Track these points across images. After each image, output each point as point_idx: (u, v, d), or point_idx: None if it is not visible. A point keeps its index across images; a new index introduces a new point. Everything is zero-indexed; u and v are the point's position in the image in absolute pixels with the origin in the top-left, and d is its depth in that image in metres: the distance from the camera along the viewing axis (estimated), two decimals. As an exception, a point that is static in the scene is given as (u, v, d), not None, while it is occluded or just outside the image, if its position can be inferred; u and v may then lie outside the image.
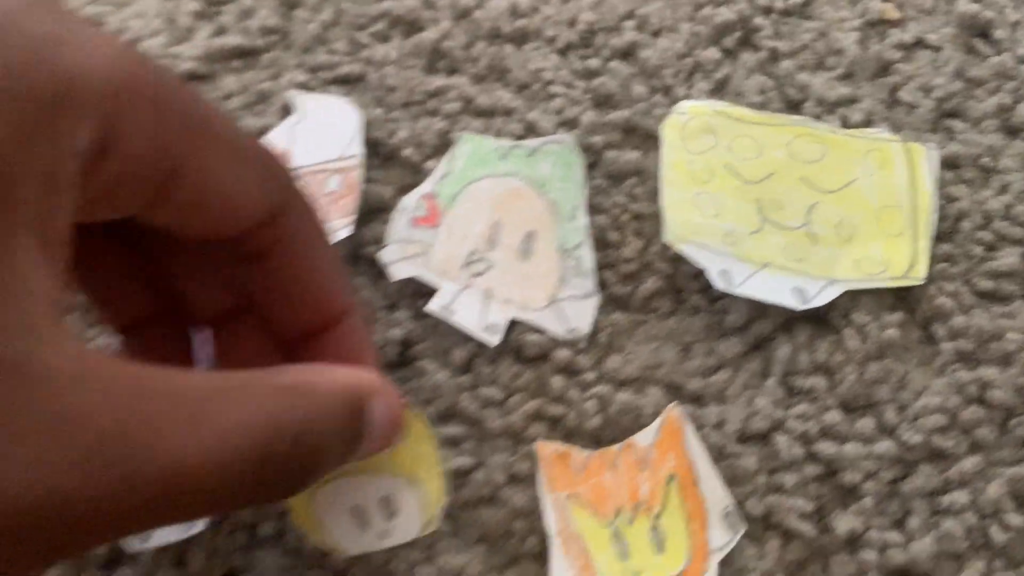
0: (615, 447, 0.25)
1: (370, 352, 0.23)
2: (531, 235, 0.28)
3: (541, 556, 0.24)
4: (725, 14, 0.31)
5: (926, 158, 0.28)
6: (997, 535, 0.23)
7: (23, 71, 0.15)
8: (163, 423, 0.16)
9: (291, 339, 0.22)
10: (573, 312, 0.27)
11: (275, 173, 0.20)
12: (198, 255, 0.22)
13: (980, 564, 0.23)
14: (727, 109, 0.29)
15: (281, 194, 0.20)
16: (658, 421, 0.25)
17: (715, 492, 0.24)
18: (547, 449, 0.25)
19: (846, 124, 0.29)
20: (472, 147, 0.29)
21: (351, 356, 0.22)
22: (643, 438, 0.25)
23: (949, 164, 0.29)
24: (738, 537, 0.24)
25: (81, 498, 0.15)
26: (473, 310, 0.27)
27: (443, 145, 0.30)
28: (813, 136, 0.29)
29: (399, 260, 0.28)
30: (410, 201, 0.28)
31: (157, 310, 0.23)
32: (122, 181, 0.17)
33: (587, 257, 0.28)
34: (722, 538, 0.24)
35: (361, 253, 0.28)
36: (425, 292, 0.27)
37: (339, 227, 0.28)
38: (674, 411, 0.25)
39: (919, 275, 0.26)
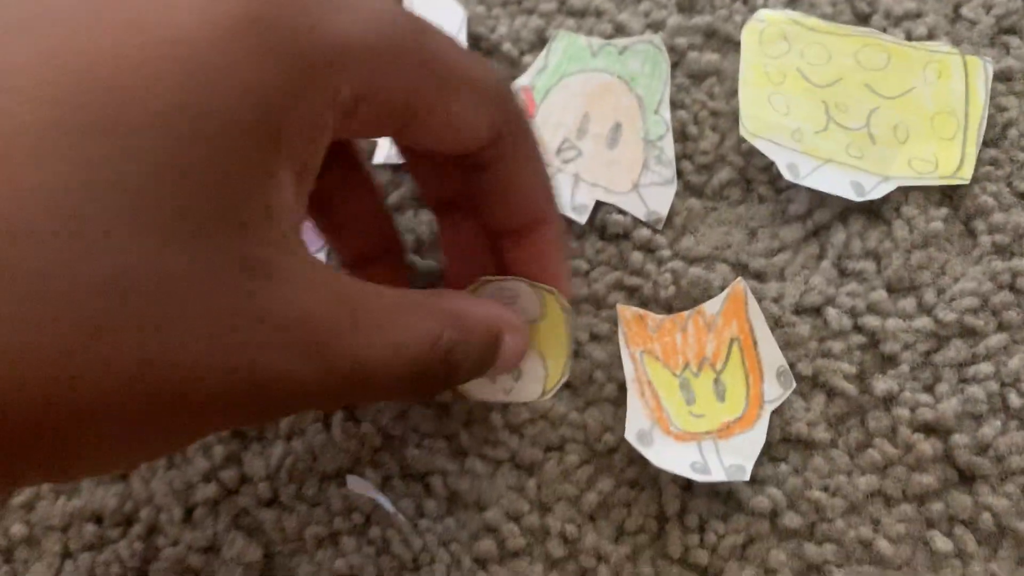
0: (685, 313, 0.29)
1: (560, 258, 0.26)
2: (618, 126, 0.32)
3: (617, 400, 0.29)
4: (804, -72, 0.34)
5: (981, 70, 0.31)
6: (1015, 400, 0.27)
7: (303, 35, 0.18)
8: (361, 327, 0.20)
9: (500, 234, 0.26)
10: (653, 197, 0.31)
11: (502, 101, 0.23)
12: (430, 159, 0.26)
13: (997, 423, 0.27)
14: (801, 19, 0.32)
15: (504, 120, 0.23)
16: (724, 293, 0.29)
17: (771, 354, 0.28)
18: (627, 312, 0.29)
19: (910, 37, 0.32)
20: (566, 44, 0.33)
21: (545, 258, 0.26)
22: (711, 306, 0.29)
23: (1002, 77, 0.32)
24: (789, 392, 0.28)
25: (296, 378, 0.19)
26: (564, 192, 0.31)
27: (539, 41, 0.34)
28: (878, 46, 0.32)
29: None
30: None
31: (378, 250, 0.28)
32: (369, 123, 0.21)
33: (668, 148, 0.31)
34: (775, 392, 0.28)
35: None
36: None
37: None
38: (739, 284, 0.29)
39: (966, 175, 0.30)
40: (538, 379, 0.27)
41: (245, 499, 0.29)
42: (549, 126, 0.32)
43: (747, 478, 0.26)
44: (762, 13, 0.32)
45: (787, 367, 0.28)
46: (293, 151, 0.19)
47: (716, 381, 0.28)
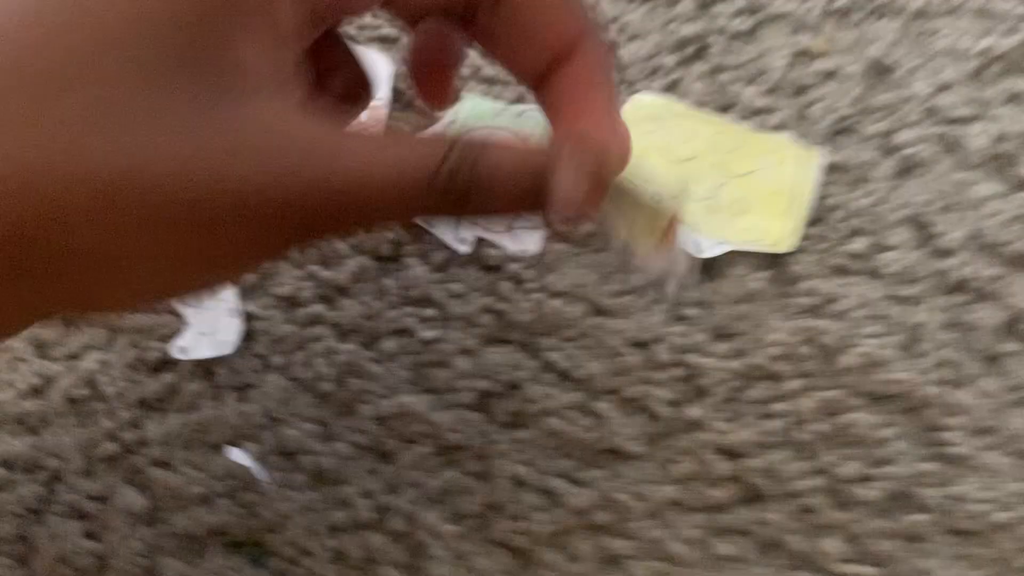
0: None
1: (603, 86, 0.25)
2: None
3: (472, 405, 0.34)
4: (688, 30, 0.40)
5: (815, 161, 0.37)
6: (803, 435, 0.32)
7: None
8: (356, 149, 0.21)
9: (535, 80, 0.25)
10: (526, 237, 0.36)
11: None
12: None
13: (786, 452, 0.32)
14: (672, 103, 0.38)
15: None
16: None
17: None
18: None
19: (762, 127, 0.38)
20: (473, 104, 0.38)
21: (585, 92, 0.25)
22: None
23: (834, 169, 0.37)
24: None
25: (277, 193, 0.20)
26: (450, 226, 0.37)
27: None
28: (734, 132, 0.37)
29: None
30: (418, 137, 0.38)
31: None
32: None
33: None
34: None
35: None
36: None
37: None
38: None
39: (790, 246, 0.35)
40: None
41: (140, 459, 0.33)
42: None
43: None
44: (640, 97, 0.38)
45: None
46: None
47: None
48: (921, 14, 0.40)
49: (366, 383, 0.34)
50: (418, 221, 0.36)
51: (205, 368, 0.35)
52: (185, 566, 0.32)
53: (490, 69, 0.39)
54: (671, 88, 0.39)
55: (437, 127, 0.38)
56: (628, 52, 0.39)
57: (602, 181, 0.24)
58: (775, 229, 0.35)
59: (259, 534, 0.32)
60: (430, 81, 0.28)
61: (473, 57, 0.40)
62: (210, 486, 0.33)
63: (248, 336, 0.35)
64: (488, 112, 0.38)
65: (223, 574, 0.32)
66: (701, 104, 0.39)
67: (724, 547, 0.31)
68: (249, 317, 0.35)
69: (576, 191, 0.23)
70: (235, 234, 0.20)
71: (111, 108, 0.18)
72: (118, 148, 0.18)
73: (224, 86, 0.19)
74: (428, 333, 0.35)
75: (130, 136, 0.18)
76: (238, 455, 0.33)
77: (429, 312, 0.35)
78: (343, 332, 0.35)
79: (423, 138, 0.23)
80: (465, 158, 0.22)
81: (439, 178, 0.22)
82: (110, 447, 0.33)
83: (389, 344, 0.35)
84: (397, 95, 0.40)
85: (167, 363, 0.35)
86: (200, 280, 0.22)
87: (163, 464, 0.33)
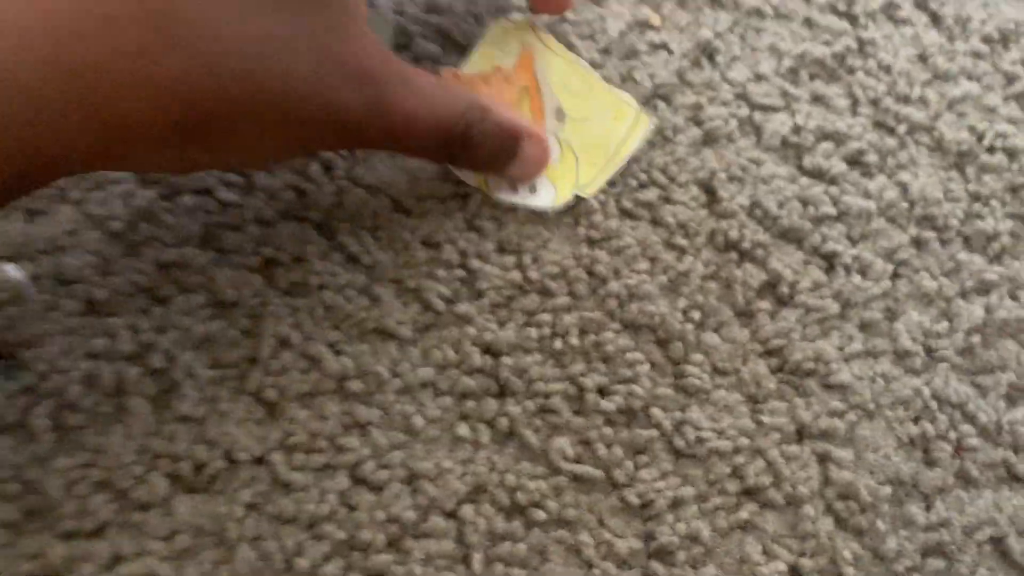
0: (488, 69, 0.37)
1: None
2: None
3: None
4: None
5: (646, 128, 0.39)
6: (558, 345, 0.34)
7: None
8: (410, 91, 0.30)
9: None
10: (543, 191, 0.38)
11: None
12: None
13: (539, 357, 0.34)
14: (540, 32, 0.40)
15: None
16: (517, 53, 0.37)
17: (550, 99, 0.37)
18: (447, 71, 0.37)
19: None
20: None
21: None
22: (507, 63, 0.37)
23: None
24: (565, 124, 0.36)
25: (356, 115, 0.29)
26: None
27: None
28: (583, 76, 0.40)
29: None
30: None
31: None
32: None
33: None
34: (553, 126, 0.37)
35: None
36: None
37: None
38: (528, 49, 0.37)
39: (590, 193, 0.38)
40: (549, 197, 0.36)
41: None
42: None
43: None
44: (511, 16, 0.40)
45: (562, 107, 0.36)
46: None
47: None
48: (755, 12, 0.44)
49: (156, 230, 0.35)
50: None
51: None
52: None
53: None
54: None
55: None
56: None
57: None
58: (585, 175, 0.38)
59: (15, 347, 0.32)
60: None
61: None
62: (-24, 295, 0.33)
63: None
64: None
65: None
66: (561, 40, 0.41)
67: (464, 430, 0.32)
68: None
69: (531, 167, 0.36)
70: (325, 136, 0.29)
71: (271, 40, 0.26)
72: (270, 71, 0.26)
73: (341, 23, 0.28)
74: (228, 196, 0.36)
75: (277, 61, 0.26)
76: (11, 269, 0.33)
77: (234, 178, 0.36)
78: (146, 180, 0.36)
79: (454, 93, 0.31)
80: (473, 118, 0.32)
81: (455, 132, 0.31)
82: None
83: (187, 199, 0.35)
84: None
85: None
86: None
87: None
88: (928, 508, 0.34)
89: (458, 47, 0.40)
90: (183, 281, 0.34)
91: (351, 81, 0.28)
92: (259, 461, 0.32)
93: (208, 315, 0.34)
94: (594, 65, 0.41)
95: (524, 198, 0.36)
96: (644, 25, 0.43)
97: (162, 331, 0.33)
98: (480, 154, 0.33)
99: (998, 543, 0.34)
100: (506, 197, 0.36)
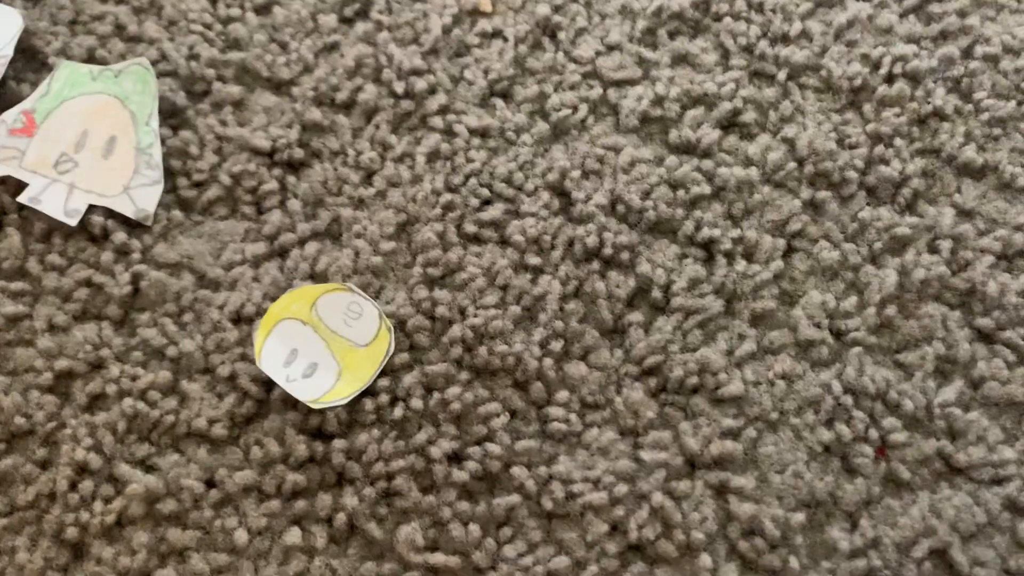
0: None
1: None
2: (113, 139, 0.34)
3: (54, 388, 0.30)
4: (351, -12, 0.37)
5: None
6: (397, 413, 0.30)
7: None
8: None
9: None
10: (142, 196, 0.33)
11: None
12: None
13: (376, 432, 0.29)
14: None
15: None
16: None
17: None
18: None
19: (411, 93, 0.35)
20: (68, 72, 0.35)
21: None
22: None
23: (482, 133, 0.35)
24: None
25: None
26: (59, 199, 0.33)
27: (91, 59, 0.36)
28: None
29: (-1, 161, 0.33)
30: (10, 115, 0.34)
31: None
32: None
33: (157, 154, 0.34)
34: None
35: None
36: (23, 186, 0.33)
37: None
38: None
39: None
40: (321, 389, 0.30)
41: None
42: (48, 143, 0.34)
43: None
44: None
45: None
46: None
47: None
48: (598, -26, 0.38)
49: (-67, 363, 0.30)
50: (23, 201, 0.32)
51: None
52: None
53: (135, 28, 0.36)
54: (329, 51, 0.36)
55: (31, 99, 0.35)
56: (284, 13, 0.37)
57: None
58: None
59: None
60: None
61: (121, 15, 0.36)
62: None
63: None
64: (84, 77, 0.35)
65: None
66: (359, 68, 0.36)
67: (295, 536, 0.28)
68: None
69: None
70: None
71: None
72: None
73: None
74: (15, 308, 0.31)
75: None
76: None
77: (20, 285, 0.32)
78: (-80, 308, 0.31)
79: None
80: None
81: None
82: None
83: (-33, 321, 0.31)
84: (32, 54, 0.36)
85: None
86: None
87: None
88: (853, 528, 0.29)
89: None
90: (-32, 417, 0.30)
91: None
92: (66, 615, 0.28)
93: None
94: (420, 70, 0.36)
95: (291, 380, 0.30)
96: (474, 13, 0.37)
97: (-53, 481, 0.29)
98: None
99: (941, 556, 0.28)
100: (273, 376, 0.30)
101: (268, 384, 0.30)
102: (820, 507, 0.29)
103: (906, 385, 0.31)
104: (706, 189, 0.33)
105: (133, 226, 0.33)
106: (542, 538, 0.29)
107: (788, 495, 0.29)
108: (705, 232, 0.33)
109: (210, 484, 0.29)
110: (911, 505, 0.29)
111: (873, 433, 0.30)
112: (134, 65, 0.35)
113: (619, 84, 0.36)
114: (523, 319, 0.31)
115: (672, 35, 0.37)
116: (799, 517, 0.29)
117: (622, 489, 0.29)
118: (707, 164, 0.34)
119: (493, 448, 0.29)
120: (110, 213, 0.33)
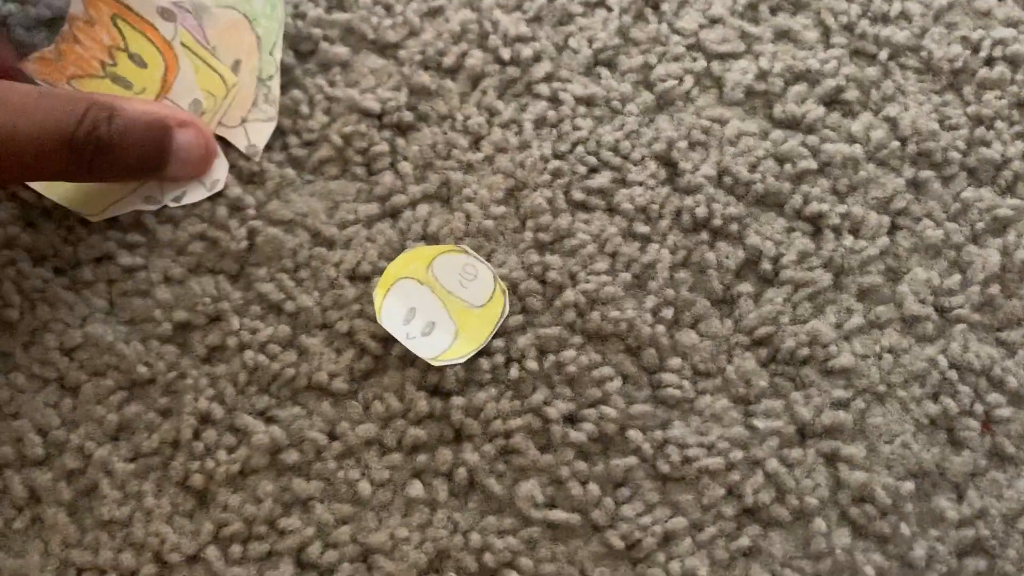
0: (64, 29, 0.32)
1: None
2: (237, 63, 0.34)
3: (171, 338, 0.31)
4: (454, -48, 0.38)
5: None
6: (514, 373, 0.30)
7: None
8: (8, 100, 0.25)
9: None
10: (255, 131, 0.33)
11: None
12: None
13: (493, 390, 0.30)
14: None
15: None
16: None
17: (143, 4, 0.31)
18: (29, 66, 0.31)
19: (516, 60, 0.36)
20: None
21: None
22: (76, 8, 0.31)
23: (587, 102, 0.35)
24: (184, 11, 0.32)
25: None
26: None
27: None
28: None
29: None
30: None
31: None
32: None
33: (276, 87, 0.34)
34: (166, 28, 0.32)
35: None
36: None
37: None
38: None
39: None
40: (440, 347, 0.30)
41: None
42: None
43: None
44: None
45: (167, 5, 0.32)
46: None
47: (131, 56, 0.32)
48: (699, -53, 0.38)
49: (55, 311, 0.31)
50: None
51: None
52: None
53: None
54: (432, 14, 0.37)
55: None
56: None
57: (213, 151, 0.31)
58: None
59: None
60: None
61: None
62: None
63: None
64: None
65: None
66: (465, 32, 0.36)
67: (417, 489, 0.29)
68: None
69: (192, 161, 0.31)
70: None
71: None
72: None
73: None
74: (131, 260, 0.32)
75: None
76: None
77: (137, 238, 0.32)
78: (39, 256, 0.32)
79: (67, 96, 0.26)
80: (98, 118, 0.26)
81: (78, 139, 0.26)
82: None
83: (87, 271, 0.32)
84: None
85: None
86: None
87: None
88: (960, 499, 0.29)
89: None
90: (91, 364, 0.30)
91: None
92: (194, 559, 0.28)
93: (121, 399, 0.30)
94: (524, 37, 0.36)
95: (411, 337, 0.30)
96: (577, -17, 0.38)
97: (73, 426, 0.30)
98: (124, 158, 0.28)
99: (1046, 528, 0.29)
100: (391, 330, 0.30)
101: (386, 341, 0.31)
102: (927, 478, 0.30)
103: (1009, 362, 0.31)
104: (812, 164, 0.34)
105: (246, 182, 0.33)
106: (659, 500, 0.29)
107: (897, 464, 0.30)
108: (813, 207, 0.33)
109: (332, 436, 0.30)
110: (1016, 478, 0.30)
111: (978, 408, 0.30)
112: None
113: (722, 57, 0.36)
114: (632, 286, 0.32)
115: (773, 11, 0.37)
116: (908, 486, 0.29)
117: (737, 455, 0.29)
118: (812, 140, 0.34)
119: (608, 411, 0.30)
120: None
